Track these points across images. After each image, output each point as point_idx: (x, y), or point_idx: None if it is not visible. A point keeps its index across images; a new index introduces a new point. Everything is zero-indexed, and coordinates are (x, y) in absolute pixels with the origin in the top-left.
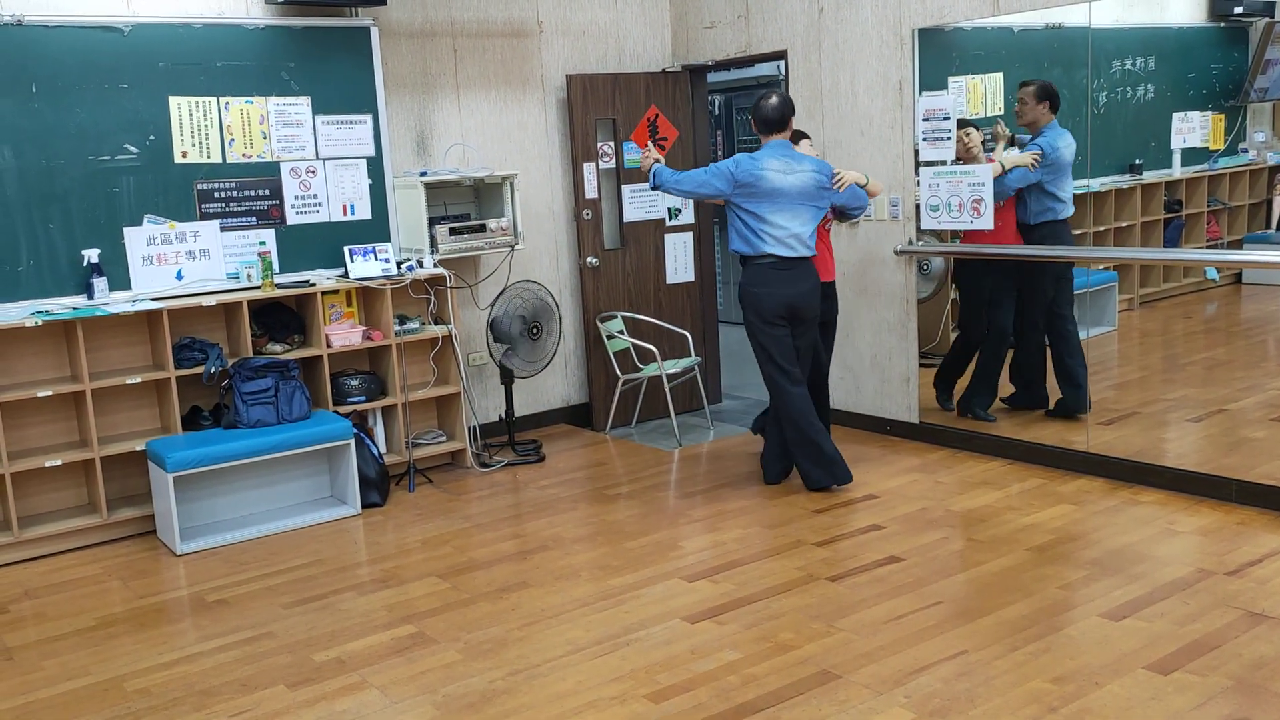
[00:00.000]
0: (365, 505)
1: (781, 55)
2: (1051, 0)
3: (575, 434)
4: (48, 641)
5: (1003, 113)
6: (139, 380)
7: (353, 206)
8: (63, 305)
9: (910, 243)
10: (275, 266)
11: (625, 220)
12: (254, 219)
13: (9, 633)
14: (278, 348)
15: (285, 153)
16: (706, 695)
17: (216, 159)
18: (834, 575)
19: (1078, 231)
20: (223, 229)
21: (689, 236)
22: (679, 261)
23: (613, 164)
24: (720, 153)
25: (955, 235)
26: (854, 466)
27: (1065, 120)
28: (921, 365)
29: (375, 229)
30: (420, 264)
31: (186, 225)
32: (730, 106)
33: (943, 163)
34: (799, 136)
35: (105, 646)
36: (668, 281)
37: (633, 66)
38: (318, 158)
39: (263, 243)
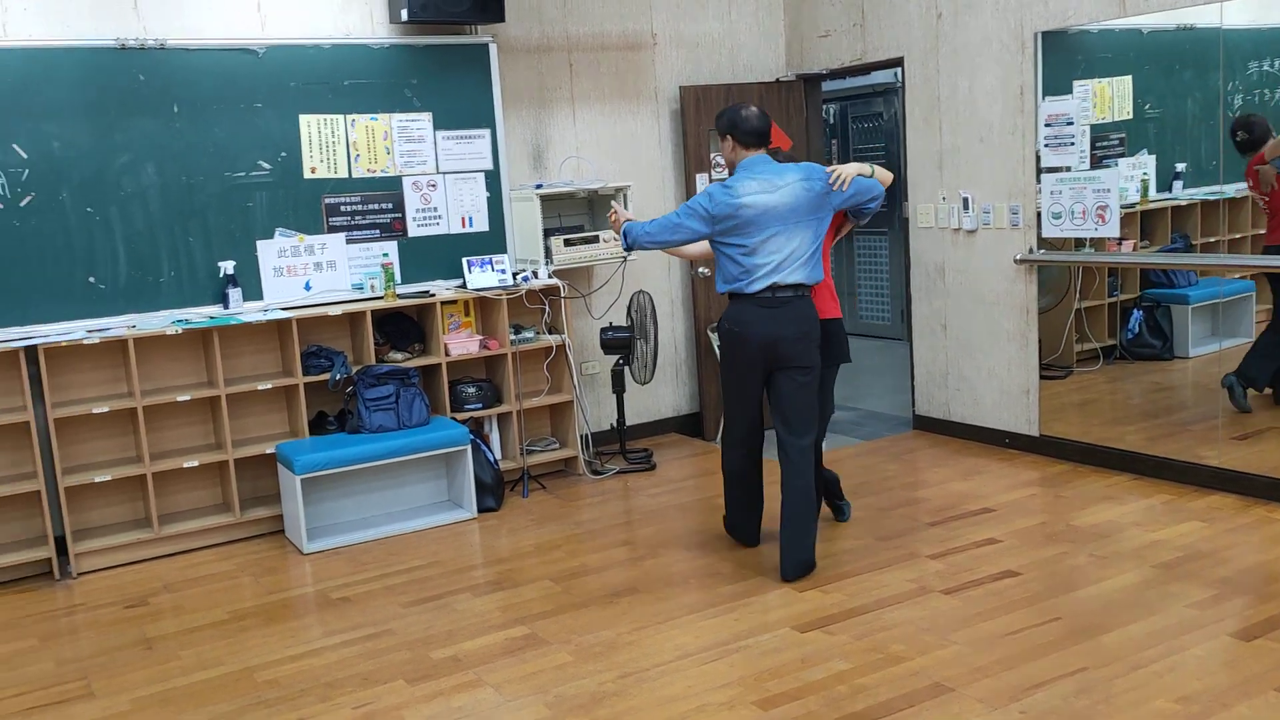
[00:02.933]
0: (481, 509)
1: (898, 62)
2: (1180, 0)
3: (685, 443)
4: (185, 633)
5: (1131, 117)
6: (269, 386)
7: (471, 219)
8: (200, 314)
9: (1031, 251)
10: (397, 277)
11: None
12: (378, 231)
13: (149, 624)
14: (399, 356)
15: (407, 167)
16: (816, 704)
17: (343, 174)
18: (948, 588)
19: (1213, 239)
20: (348, 241)
21: None
22: None
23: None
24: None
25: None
26: (970, 479)
27: (1196, 125)
28: (1043, 378)
29: (492, 240)
30: (535, 274)
31: (315, 238)
32: (845, 115)
33: (1066, 169)
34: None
35: (237, 639)
36: None
37: (746, 77)
38: (438, 171)
39: (385, 254)
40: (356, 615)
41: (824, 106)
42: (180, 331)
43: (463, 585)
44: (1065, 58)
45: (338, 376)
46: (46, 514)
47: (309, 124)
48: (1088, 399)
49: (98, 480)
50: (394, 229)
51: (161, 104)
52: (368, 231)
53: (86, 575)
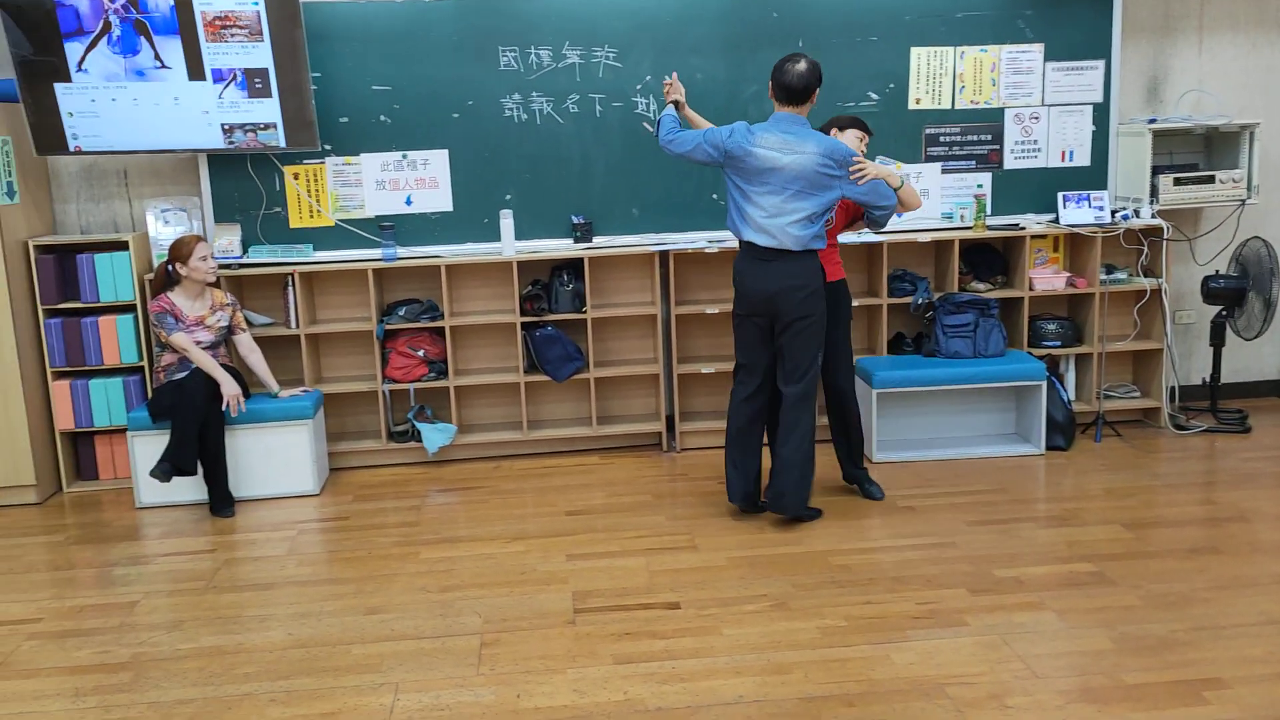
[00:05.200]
0: (1049, 447)
1: None
2: None
3: None
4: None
5: None
6: (855, 304)
7: (1071, 153)
8: None
9: None
10: (988, 209)
11: None
12: (973, 162)
13: None
14: (981, 286)
15: (1011, 99)
16: None
17: (945, 105)
18: None
19: None
20: (943, 171)
21: None
22: None
23: None
24: None
25: None
26: None
27: None
28: None
29: (1092, 176)
30: (1136, 214)
31: (911, 166)
32: None
33: None
34: (849, 124)
35: (813, 526)
36: None
37: None
38: (1043, 104)
39: (979, 185)
40: (921, 524)
41: None
42: (716, 250)
43: (1026, 515)
44: None
45: (919, 301)
46: (661, 395)
47: (919, 56)
48: None
49: (703, 371)
50: (989, 160)
51: (789, 38)
52: (963, 162)
53: (686, 451)
